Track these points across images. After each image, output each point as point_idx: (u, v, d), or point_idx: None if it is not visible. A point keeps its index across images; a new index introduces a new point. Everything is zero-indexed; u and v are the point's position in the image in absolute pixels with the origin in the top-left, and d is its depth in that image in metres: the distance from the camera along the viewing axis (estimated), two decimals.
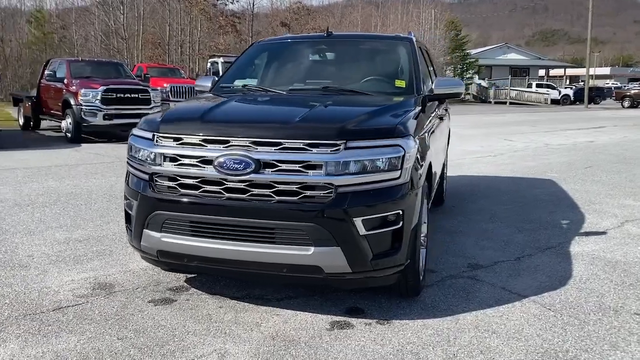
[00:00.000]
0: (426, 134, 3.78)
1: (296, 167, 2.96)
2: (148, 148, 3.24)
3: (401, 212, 3.09)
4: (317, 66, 4.75)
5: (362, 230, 2.96)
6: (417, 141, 3.31)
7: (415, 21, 45.93)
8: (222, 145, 3.06)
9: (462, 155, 11.19)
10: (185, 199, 3.09)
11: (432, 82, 4.48)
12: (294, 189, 2.97)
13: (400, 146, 3.09)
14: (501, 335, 3.09)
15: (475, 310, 3.43)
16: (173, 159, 3.15)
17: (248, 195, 3.00)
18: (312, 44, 4.92)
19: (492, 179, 8.40)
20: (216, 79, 4.64)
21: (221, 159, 3.00)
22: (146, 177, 3.25)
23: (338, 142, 2.97)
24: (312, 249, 2.95)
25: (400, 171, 3.08)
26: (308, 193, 2.96)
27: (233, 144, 3.04)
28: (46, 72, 13.36)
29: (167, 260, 3.28)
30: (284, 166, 2.97)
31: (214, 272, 3.56)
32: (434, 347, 2.93)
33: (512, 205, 6.53)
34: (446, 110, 5.92)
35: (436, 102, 4.81)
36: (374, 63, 4.56)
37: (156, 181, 3.21)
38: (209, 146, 3.08)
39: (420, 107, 3.92)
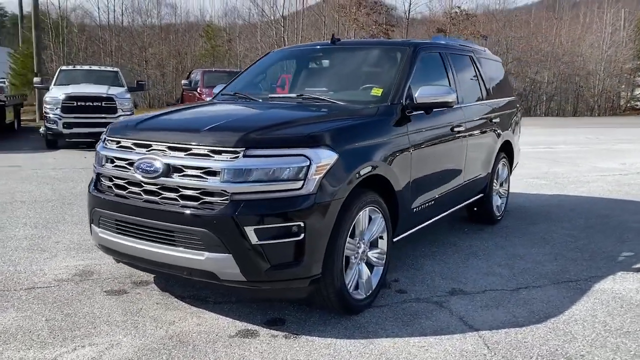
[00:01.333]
0: (382, 146, 3.57)
1: (198, 172, 3.03)
2: (100, 151, 3.55)
3: (303, 224, 2.98)
4: (308, 74, 4.73)
5: (254, 240, 2.93)
6: (342, 152, 3.16)
7: (598, 23, 41.64)
8: (145, 149, 3.24)
9: (585, 172, 10.02)
10: (113, 198, 3.34)
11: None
12: (195, 194, 3.04)
13: (305, 156, 3.00)
14: None
15: (402, 337, 3.17)
16: (112, 161, 3.42)
17: (160, 198, 3.15)
18: (313, 52, 4.91)
19: (589, 200, 7.41)
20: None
21: (139, 162, 3.19)
22: (94, 176, 3.58)
23: (237, 150, 2.99)
24: (205, 255, 3.00)
25: (303, 182, 2.98)
26: (207, 199, 3.02)
27: (154, 148, 3.21)
28: (186, 81, 14.85)
29: (106, 253, 3.57)
30: (188, 171, 3.06)
31: (136, 268, 3.74)
32: None
33: (580, 231, 5.74)
34: (492, 120, 5.43)
35: (455, 111, 4.53)
36: (364, 71, 4.40)
37: (100, 180, 3.52)
38: (137, 149, 3.29)
39: (387, 118, 3.74)
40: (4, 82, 18.75)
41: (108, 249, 3.47)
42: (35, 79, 14.62)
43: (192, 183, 3.04)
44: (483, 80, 5.52)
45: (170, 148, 3.15)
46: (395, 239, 3.92)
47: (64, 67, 13.84)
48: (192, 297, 3.71)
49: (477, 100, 5.32)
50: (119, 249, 3.36)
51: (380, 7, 30.61)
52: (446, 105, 4.03)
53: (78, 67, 13.96)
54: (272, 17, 33.77)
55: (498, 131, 5.60)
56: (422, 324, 3.35)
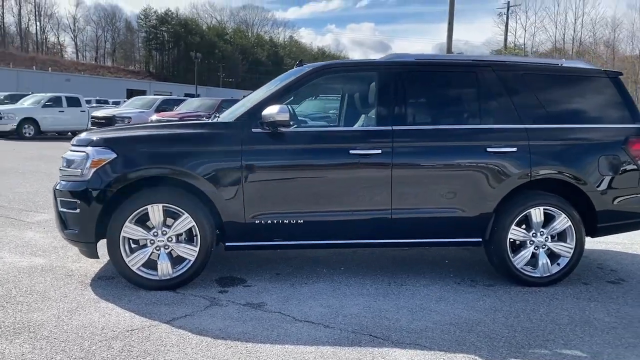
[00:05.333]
0: (193, 155, 4.17)
1: None
2: None
3: (79, 202, 4.16)
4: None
5: (60, 207, 4.31)
6: (122, 154, 4.13)
7: None
8: None
9: None
10: None
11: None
12: None
13: (86, 153, 4.18)
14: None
15: (129, 311, 3.83)
16: None
17: None
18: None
19: None
20: None
21: None
22: None
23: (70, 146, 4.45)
24: (54, 215, 4.56)
25: (81, 171, 4.16)
26: None
27: None
28: None
29: None
30: None
31: None
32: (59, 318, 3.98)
33: (617, 318, 3.96)
34: (489, 150, 4.43)
35: (367, 134, 4.41)
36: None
37: None
38: None
39: (214, 132, 4.33)
40: None
41: None
42: None
43: None
44: (497, 102, 4.55)
45: None
46: (228, 244, 4.32)
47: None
48: None
49: (459, 123, 4.54)
50: None
51: None
52: (282, 124, 4.12)
53: None
54: None
55: (511, 164, 4.43)
56: (160, 310, 3.83)
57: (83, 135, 4.48)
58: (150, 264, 4.24)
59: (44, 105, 20.79)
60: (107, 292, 4.17)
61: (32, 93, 24.14)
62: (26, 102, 21.46)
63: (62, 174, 4.35)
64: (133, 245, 4.25)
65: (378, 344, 3.39)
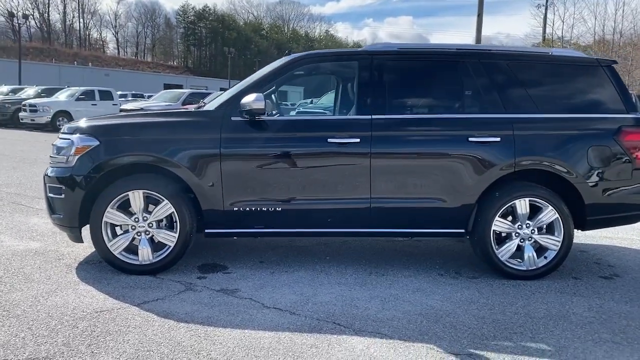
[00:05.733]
0: (171, 142, 4.24)
1: None
2: None
3: (64, 187, 4.29)
4: None
5: (48, 192, 4.45)
6: (105, 141, 4.24)
7: None
8: None
9: None
10: None
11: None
12: None
13: (71, 140, 4.30)
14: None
15: (102, 293, 3.97)
16: None
17: None
18: None
19: None
20: None
21: None
22: None
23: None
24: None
25: (66, 158, 4.29)
26: None
27: None
28: None
29: None
30: None
31: None
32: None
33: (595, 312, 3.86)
34: (471, 139, 4.35)
35: (346, 123, 4.41)
36: None
37: None
38: None
39: (193, 120, 4.41)
40: None
41: None
42: None
43: None
44: (481, 92, 4.47)
45: None
46: (208, 230, 4.38)
47: None
48: None
49: (442, 113, 4.49)
50: None
51: None
52: (258, 112, 4.15)
53: None
54: None
55: (494, 155, 4.35)
56: (134, 293, 3.93)
57: (72, 123, 4.60)
58: (132, 249, 4.34)
59: (78, 99, 21.47)
60: (89, 275, 4.29)
61: (68, 87, 24.84)
62: (61, 96, 22.16)
63: (51, 161, 4.48)
64: (119, 232, 4.36)
65: (339, 331, 3.40)
